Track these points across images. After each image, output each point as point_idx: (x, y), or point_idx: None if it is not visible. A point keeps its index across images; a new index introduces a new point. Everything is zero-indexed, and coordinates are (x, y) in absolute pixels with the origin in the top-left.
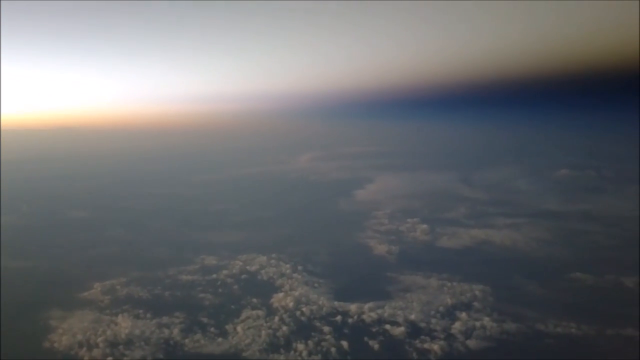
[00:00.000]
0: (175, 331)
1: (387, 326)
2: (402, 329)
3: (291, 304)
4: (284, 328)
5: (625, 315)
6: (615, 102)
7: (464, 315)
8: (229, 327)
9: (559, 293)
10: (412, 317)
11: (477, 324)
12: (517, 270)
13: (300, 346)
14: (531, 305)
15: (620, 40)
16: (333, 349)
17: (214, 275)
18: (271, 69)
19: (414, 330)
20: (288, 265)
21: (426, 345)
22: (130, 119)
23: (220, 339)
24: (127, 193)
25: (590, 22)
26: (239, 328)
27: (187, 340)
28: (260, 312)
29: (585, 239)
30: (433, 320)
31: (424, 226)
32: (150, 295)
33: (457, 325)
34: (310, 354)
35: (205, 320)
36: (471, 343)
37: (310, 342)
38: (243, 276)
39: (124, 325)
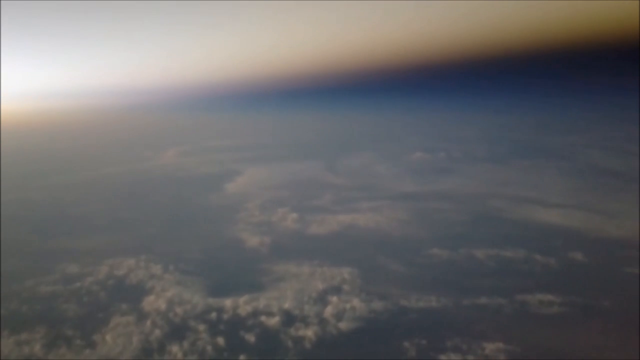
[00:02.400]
0: (37, 347)
1: (263, 317)
2: (277, 318)
3: (163, 306)
4: (157, 331)
5: (478, 285)
6: (463, 88)
7: (335, 299)
8: (97, 337)
9: (419, 269)
10: (286, 305)
11: (347, 305)
12: (381, 251)
13: (175, 348)
14: (395, 283)
15: (466, 31)
16: (209, 347)
17: (78, 284)
18: (132, 62)
19: (289, 318)
20: (159, 266)
21: (300, 332)
22: None
23: (87, 351)
24: None
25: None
26: (108, 337)
27: (50, 356)
28: (130, 318)
29: (440, 217)
30: (306, 307)
31: (294, 215)
32: (6, 312)
33: (329, 309)
34: (185, 354)
35: (70, 332)
36: (343, 325)
37: (185, 343)
38: (110, 282)
39: None
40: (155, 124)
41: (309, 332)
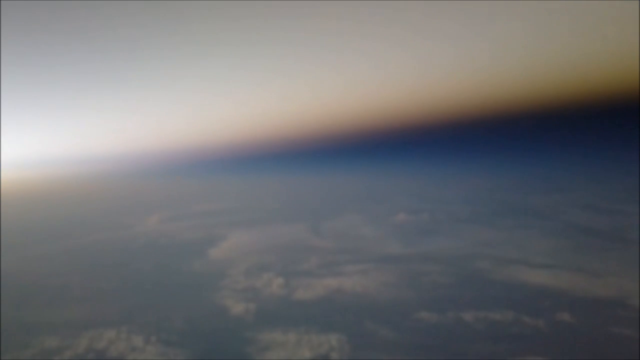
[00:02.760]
0: None
1: None
2: None
3: None
4: None
5: (468, 350)
6: (445, 150)
7: None
8: None
9: (408, 334)
10: None
11: None
12: (369, 316)
13: None
14: (384, 349)
15: (443, 98)
16: None
17: (56, 358)
18: (109, 129)
19: None
20: (140, 337)
21: None
22: None
23: None
24: None
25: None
26: None
27: None
28: None
29: (426, 279)
30: None
31: (280, 280)
32: None
33: None
34: None
35: None
36: None
37: None
38: (89, 355)
39: None
40: (138, 190)
41: None
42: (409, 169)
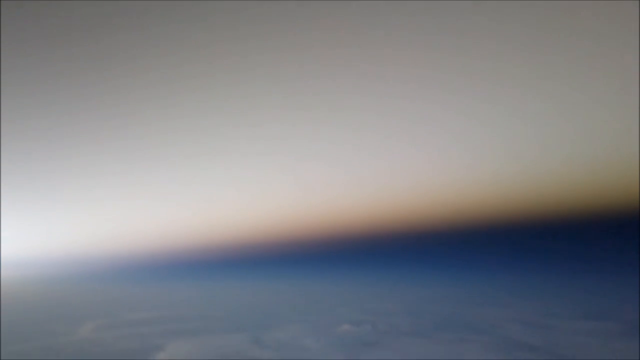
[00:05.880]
0: None
1: None
2: None
3: None
4: None
5: None
6: (390, 260)
7: None
8: None
9: None
10: None
11: None
12: None
13: None
14: None
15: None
16: None
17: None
18: (34, 230)
19: None
20: None
21: None
22: None
23: None
24: None
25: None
26: None
27: None
28: None
29: None
30: None
31: None
32: None
33: None
34: None
35: None
36: None
37: None
38: None
39: None
40: (70, 295)
41: None
42: (349, 278)
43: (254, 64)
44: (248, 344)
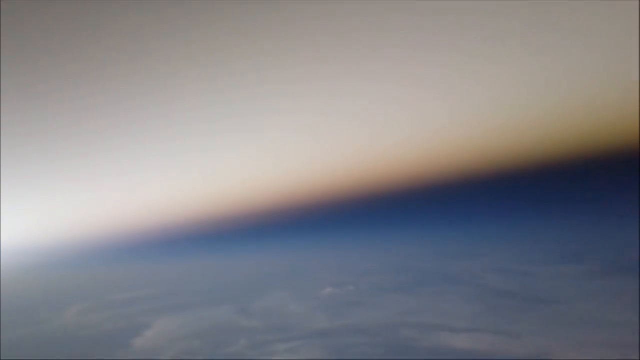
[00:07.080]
0: None
1: None
2: None
3: None
4: None
5: None
6: (371, 220)
7: None
8: None
9: None
10: None
11: None
12: None
13: None
14: None
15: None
16: None
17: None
18: (32, 217)
19: None
20: None
21: None
22: None
23: None
24: None
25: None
26: None
27: None
28: None
29: (355, 352)
30: None
31: None
32: None
33: None
34: None
35: None
36: None
37: None
38: None
39: None
40: (52, 282)
41: None
42: (329, 243)
43: (264, 22)
44: (235, 315)
